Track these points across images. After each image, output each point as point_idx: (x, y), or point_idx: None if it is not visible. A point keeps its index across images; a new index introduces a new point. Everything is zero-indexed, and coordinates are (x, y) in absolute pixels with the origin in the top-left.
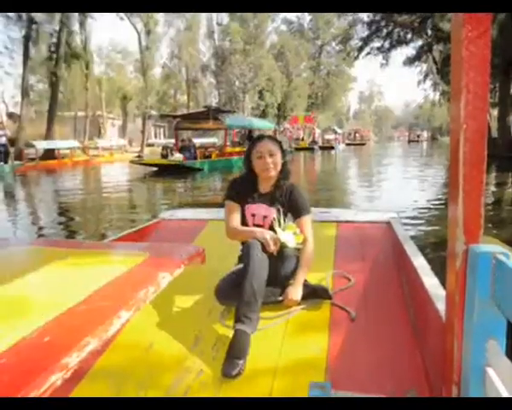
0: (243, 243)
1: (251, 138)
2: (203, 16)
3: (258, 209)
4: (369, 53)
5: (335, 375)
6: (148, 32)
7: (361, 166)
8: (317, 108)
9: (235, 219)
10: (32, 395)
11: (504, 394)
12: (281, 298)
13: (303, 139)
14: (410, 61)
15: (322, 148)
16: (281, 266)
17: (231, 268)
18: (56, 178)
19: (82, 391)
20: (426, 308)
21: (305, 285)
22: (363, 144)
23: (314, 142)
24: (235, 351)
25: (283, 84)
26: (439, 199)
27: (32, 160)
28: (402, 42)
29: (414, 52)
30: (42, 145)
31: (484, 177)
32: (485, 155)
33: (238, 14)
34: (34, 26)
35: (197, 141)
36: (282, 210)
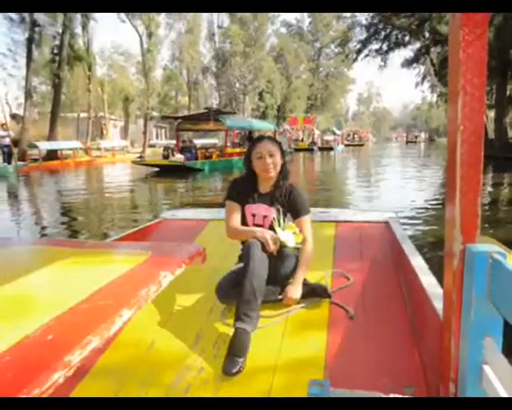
0: (243, 243)
1: (251, 139)
2: (204, 19)
3: (259, 209)
4: (367, 55)
5: (334, 373)
6: (150, 35)
7: (360, 167)
8: (317, 109)
9: (236, 219)
10: (35, 392)
11: (501, 390)
12: (280, 297)
13: (302, 140)
14: (407, 64)
15: (321, 149)
16: (280, 266)
17: (232, 267)
18: (59, 179)
19: (84, 389)
20: (424, 307)
21: (305, 284)
22: (362, 145)
23: (313, 143)
24: (235, 349)
25: (283, 86)
26: (436, 199)
27: (35, 160)
28: (400, 44)
29: (412, 54)
30: (45, 146)
31: (481, 177)
32: (481, 155)
33: (238, 16)
34: (37, 29)
35: (198, 142)
36: (281, 210)
